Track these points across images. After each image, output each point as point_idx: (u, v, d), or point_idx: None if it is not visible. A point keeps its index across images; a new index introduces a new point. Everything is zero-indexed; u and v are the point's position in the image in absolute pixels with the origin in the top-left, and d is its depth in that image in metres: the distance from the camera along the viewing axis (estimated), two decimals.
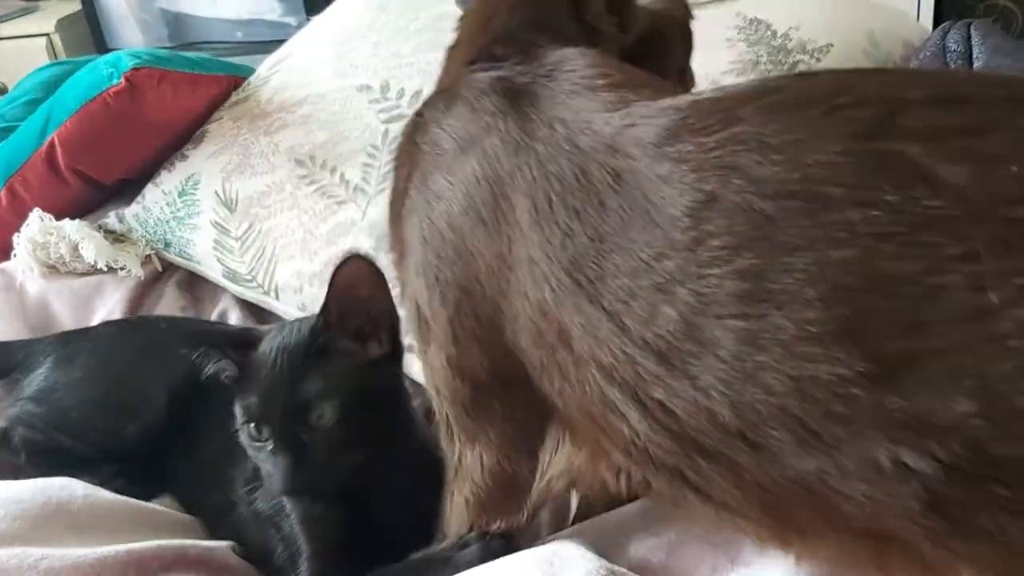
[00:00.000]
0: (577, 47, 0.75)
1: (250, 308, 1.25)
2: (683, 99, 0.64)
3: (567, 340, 0.64)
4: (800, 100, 0.58)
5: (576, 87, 0.70)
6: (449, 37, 1.29)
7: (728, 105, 0.59)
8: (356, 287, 0.80)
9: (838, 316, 0.52)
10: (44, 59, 2.64)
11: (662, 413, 0.59)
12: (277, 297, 1.19)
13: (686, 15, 0.92)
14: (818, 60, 1.31)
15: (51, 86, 1.43)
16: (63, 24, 2.72)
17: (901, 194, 0.51)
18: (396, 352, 0.85)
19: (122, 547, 0.78)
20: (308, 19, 2.53)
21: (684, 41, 0.93)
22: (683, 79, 0.94)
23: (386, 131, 1.25)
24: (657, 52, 0.87)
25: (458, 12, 1.13)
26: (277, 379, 0.78)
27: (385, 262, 1.13)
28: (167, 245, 1.29)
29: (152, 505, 0.94)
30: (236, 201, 1.25)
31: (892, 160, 0.52)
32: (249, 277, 1.21)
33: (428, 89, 1.28)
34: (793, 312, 0.53)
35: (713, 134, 0.58)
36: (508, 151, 0.70)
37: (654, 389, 0.59)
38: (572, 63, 0.73)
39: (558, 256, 0.64)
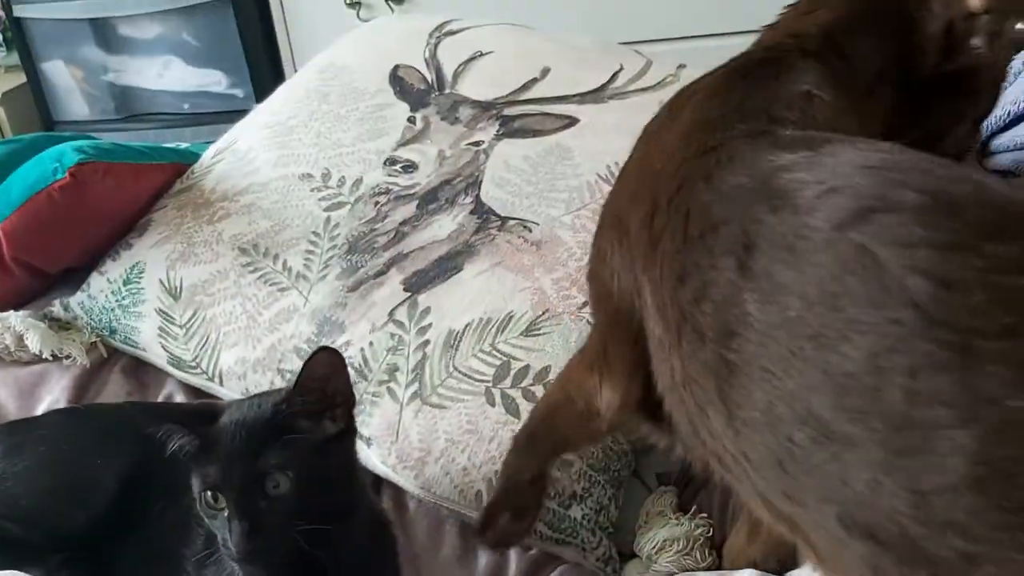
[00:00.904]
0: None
1: (195, 393, 1.27)
2: (836, 145, 0.70)
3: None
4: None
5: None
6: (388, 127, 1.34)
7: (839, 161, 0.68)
8: (321, 374, 0.85)
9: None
10: None
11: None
12: (221, 383, 1.22)
13: (1003, 72, 0.94)
14: None
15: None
16: (8, 97, 2.73)
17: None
18: (350, 428, 0.90)
19: None
20: (254, 91, 2.57)
21: (992, 95, 0.95)
22: (974, 131, 0.96)
23: (327, 219, 1.30)
24: (964, 93, 0.88)
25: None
26: (236, 450, 0.82)
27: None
28: (112, 332, 1.31)
29: None
30: (180, 289, 1.28)
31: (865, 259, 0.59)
32: (194, 364, 1.24)
33: (368, 177, 1.33)
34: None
35: (819, 192, 0.65)
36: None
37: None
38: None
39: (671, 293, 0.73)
